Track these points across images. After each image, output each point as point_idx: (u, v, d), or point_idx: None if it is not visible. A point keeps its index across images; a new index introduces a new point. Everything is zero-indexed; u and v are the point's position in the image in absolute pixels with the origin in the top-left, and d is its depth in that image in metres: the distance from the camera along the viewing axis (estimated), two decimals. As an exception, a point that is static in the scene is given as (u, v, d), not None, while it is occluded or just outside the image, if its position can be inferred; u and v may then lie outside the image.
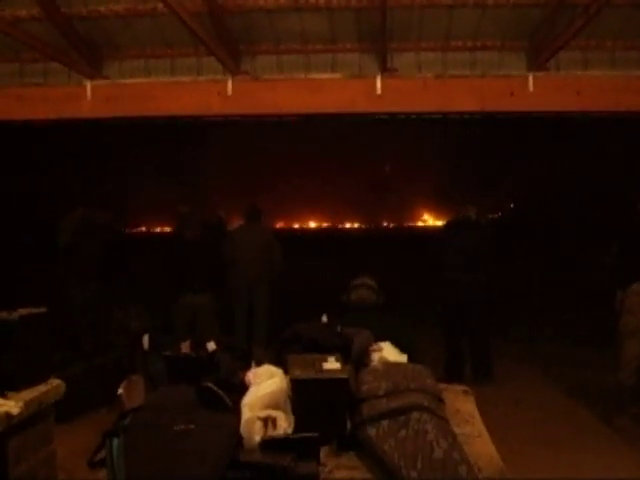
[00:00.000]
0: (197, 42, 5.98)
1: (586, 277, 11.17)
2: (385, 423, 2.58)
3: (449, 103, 6.28)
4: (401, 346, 3.41)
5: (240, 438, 2.53)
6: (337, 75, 6.39)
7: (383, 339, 3.42)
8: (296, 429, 2.60)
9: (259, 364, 3.02)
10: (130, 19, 6.13)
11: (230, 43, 6.27)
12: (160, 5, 5.50)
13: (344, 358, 2.90)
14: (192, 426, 2.45)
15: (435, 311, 7.71)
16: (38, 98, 6.44)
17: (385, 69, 6.27)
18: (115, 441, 2.44)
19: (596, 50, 6.28)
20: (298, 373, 2.73)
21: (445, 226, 8.53)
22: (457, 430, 2.74)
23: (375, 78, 6.26)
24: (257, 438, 2.52)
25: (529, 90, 6.18)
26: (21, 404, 2.96)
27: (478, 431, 2.95)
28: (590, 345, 8.69)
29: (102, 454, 2.51)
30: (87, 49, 6.45)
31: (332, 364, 2.77)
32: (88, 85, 6.48)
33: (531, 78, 6.18)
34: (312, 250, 18.41)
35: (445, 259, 7.51)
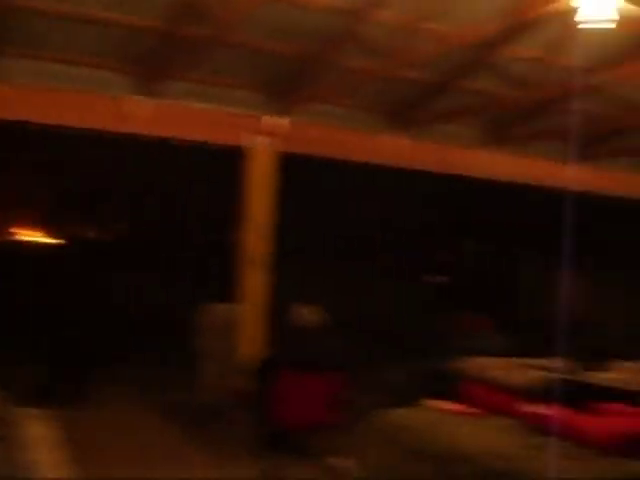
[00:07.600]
0: None
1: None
2: None
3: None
4: None
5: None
6: None
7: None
8: None
9: None
10: None
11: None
12: None
13: None
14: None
15: None
16: None
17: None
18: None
19: (202, 84, 6.67)
20: None
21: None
22: (36, 457, 2.63)
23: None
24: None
25: (138, 114, 6.30)
26: None
27: (58, 457, 2.86)
28: (174, 366, 8.65)
29: None
30: None
31: None
32: None
33: (140, 102, 6.31)
34: None
35: None
